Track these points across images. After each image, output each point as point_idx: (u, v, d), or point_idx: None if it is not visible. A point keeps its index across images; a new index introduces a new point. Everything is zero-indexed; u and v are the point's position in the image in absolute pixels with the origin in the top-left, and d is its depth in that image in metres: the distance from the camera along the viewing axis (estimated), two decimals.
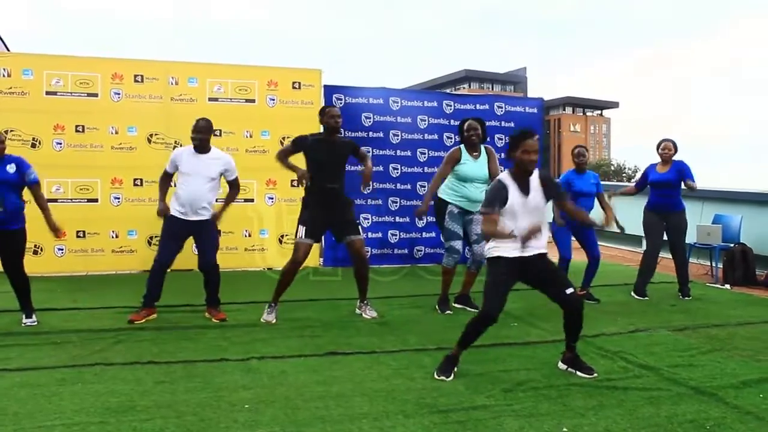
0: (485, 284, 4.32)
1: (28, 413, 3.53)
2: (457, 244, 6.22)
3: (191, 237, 5.91)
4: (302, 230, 5.82)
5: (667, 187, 7.17)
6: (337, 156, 5.91)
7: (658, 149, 7.29)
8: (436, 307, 6.36)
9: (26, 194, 5.55)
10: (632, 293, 7.22)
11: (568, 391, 3.98)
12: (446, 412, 3.61)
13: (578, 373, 4.34)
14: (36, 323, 5.54)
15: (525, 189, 4.26)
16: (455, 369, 4.28)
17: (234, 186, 6.08)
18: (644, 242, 7.57)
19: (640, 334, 5.46)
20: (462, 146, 6.24)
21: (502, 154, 9.38)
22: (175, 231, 5.81)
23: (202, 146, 5.80)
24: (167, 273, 5.89)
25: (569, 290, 4.29)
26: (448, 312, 6.25)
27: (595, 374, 4.31)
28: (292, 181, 8.72)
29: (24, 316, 5.58)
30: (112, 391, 3.88)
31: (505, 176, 4.33)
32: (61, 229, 5.70)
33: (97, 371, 4.27)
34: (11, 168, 5.37)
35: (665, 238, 7.30)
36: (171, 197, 5.90)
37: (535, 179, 4.31)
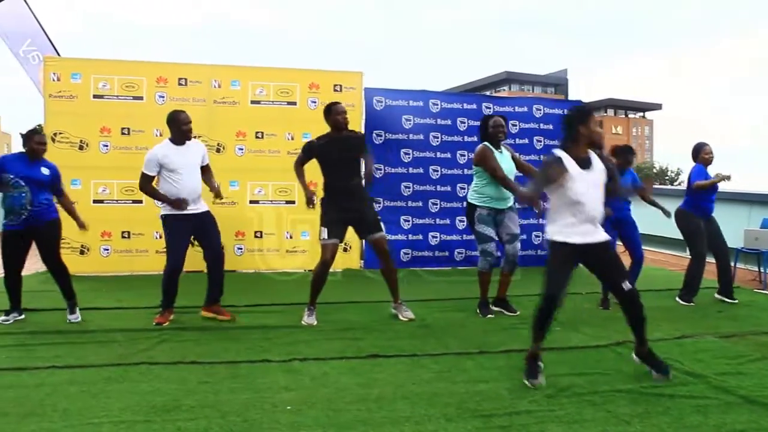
0: (546, 267, 4.31)
1: (77, 410, 3.61)
2: (491, 247, 6.18)
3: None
4: (325, 231, 5.86)
5: (714, 192, 7.08)
6: (348, 152, 5.94)
7: (699, 154, 7.11)
8: (477, 310, 6.32)
9: None
10: (677, 299, 7.08)
11: (612, 398, 3.92)
12: (489, 417, 3.59)
13: (652, 372, 4.31)
14: (78, 320, 5.67)
15: (584, 164, 4.25)
16: (541, 367, 4.26)
17: (208, 169, 6.06)
18: (688, 247, 7.38)
19: (686, 340, 5.35)
20: (487, 143, 6.19)
21: (541, 156, 9.36)
22: (181, 229, 5.77)
23: (189, 137, 5.86)
24: (205, 274, 5.96)
25: (627, 284, 4.27)
26: (490, 315, 6.21)
27: (670, 377, 4.27)
28: None
29: (68, 312, 5.73)
30: (157, 390, 3.94)
31: (559, 151, 4.29)
32: (85, 225, 5.88)
33: (143, 370, 4.34)
34: (45, 170, 5.65)
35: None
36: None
37: (594, 157, 4.32)
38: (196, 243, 5.96)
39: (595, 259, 4.35)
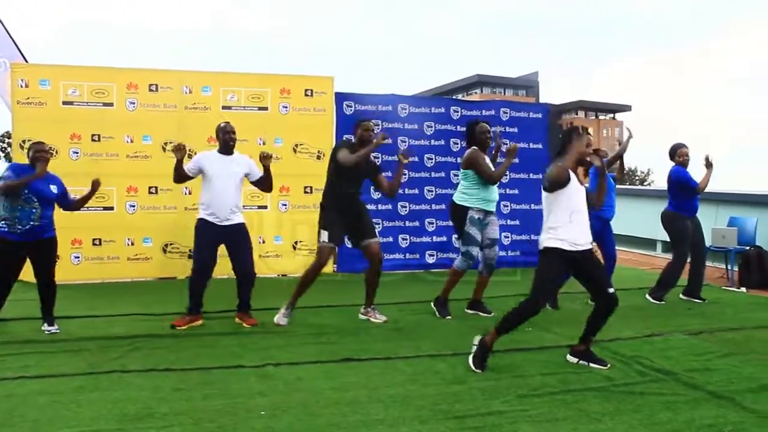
0: (537, 274, 4.49)
1: (48, 420, 3.57)
2: (475, 251, 6.25)
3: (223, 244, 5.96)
4: (325, 234, 5.90)
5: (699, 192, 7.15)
6: (367, 166, 6.06)
7: (675, 155, 7.21)
8: (433, 307, 6.40)
9: None
10: (648, 296, 7.20)
11: (584, 396, 3.97)
12: (462, 418, 3.62)
13: (591, 365, 4.54)
14: (58, 331, 5.60)
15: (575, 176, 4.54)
16: (489, 357, 4.47)
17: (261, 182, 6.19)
18: (660, 247, 7.50)
19: (656, 338, 5.44)
20: (476, 148, 6.27)
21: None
22: (209, 238, 5.86)
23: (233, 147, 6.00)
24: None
25: (611, 289, 4.51)
26: (448, 317, 6.27)
27: (609, 365, 4.53)
28: (305, 187, 8.78)
29: (46, 324, 5.65)
30: (130, 399, 3.91)
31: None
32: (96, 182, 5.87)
33: (115, 378, 4.31)
34: (54, 188, 5.66)
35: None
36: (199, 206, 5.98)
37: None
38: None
39: (586, 265, 4.56)
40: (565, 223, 4.44)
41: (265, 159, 6.00)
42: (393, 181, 6.22)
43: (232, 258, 5.99)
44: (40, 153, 5.51)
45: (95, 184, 5.82)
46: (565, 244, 4.43)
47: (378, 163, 6.33)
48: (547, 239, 4.50)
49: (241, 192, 6.04)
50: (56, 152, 8.24)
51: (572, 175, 4.48)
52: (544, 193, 4.56)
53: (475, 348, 4.50)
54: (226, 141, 5.97)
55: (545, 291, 4.50)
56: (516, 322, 4.49)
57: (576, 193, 4.49)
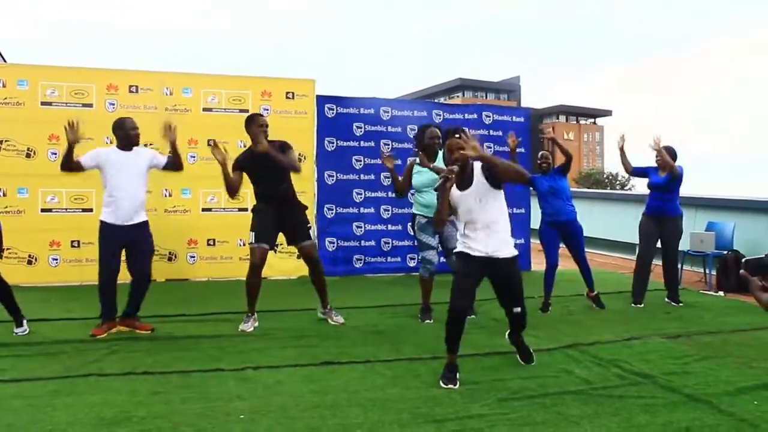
0: (453, 279, 4.43)
1: (23, 424, 3.52)
2: (430, 255, 6.25)
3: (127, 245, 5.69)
4: (252, 236, 5.90)
5: (664, 191, 7.16)
6: (269, 159, 5.80)
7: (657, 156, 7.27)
8: (418, 315, 6.37)
9: None
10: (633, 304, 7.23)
11: (562, 400, 3.98)
12: (441, 422, 3.62)
13: (518, 356, 4.76)
14: (27, 332, 5.52)
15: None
16: (458, 374, 4.32)
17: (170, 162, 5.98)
18: (637, 248, 7.56)
19: (634, 341, 5.47)
20: (416, 158, 6.26)
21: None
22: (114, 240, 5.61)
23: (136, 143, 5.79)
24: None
25: (517, 309, 4.56)
26: (428, 321, 6.26)
27: (533, 363, 4.69)
28: None
29: (15, 325, 5.56)
30: (107, 402, 3.87)
31: None
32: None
33: (92, 382, 4.26)
34: None
35: (658, 245, 7.32)
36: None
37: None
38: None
39: (501, 274, 4.47)
40: (463, 228, 4.46)
41: (169, 131, 5.81)
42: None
43: (129, 261, 5.75)
44: None
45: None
46: (472, 249, 4.37)
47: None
48: (457, 244, 4.51)
49: (146, 187, 5.83)
50: (34, 153, 8.17)
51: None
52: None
53: (443, 371, 4.36)
54: (130, 137, 5.71)
55: (460, 293, 4.34)
56: (451, 333, 4.33)
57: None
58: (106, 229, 5.59)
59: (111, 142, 8.27)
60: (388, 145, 9.32)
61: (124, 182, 5.57)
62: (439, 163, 6.20)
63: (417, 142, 6.34)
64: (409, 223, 7.56)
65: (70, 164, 5.56)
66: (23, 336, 5.47)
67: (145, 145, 8.14)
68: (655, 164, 7.23)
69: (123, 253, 5.70)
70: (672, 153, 7.09)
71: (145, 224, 5.74)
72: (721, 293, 8.13)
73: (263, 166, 5.80)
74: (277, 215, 5.93)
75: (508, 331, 4.84)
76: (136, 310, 5.79)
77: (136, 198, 5.64)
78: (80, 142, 5.55)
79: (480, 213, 4.33)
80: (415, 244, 9.35)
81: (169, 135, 5.83)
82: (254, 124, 5.87)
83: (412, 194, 6.39)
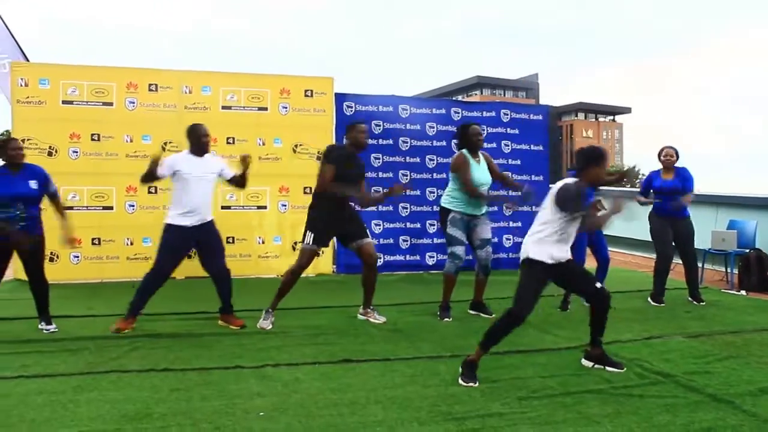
0: (518, 285, 4.41)
1: (45, 420, 3.56)
2: (460, 250, 6.23)
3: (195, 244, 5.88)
4: (310, 236, 5.86)
5: (673, 195, 7.14)
6: (358, 169, 6.03)
7: (659, 156, 7.30)
8: (437, 313, 6.36)
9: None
10: (648, 299, 7.19)
11: (583, 399, 3.96)
12: (461, 420, 3.61)
13: (608, 368, 4.52)
14: (56, 330, 5.59)
15: None
16: (477, 369, 4.32)
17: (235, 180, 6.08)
18: (655, 248, 7.50)
19: (655, 340, 5.43)
20: (465, 151, 6.25)
21: (509, 161, 9.48)
22: (178, 243, 5.77)
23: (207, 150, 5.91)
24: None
25: (599, 284, 4.54)
26: (447, 319, 6.24)
27: (625, 368, 4.52)
28: (305, 188, 8.76)
29: (44, 323, 5.63)
30: (128, 399, 3.90)
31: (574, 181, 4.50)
32: (75, 239, 5.69)
33: (113, 378, 4.30)
34: (34, 184, 5.45)
35: (673, 243, 7.28)
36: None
37: None
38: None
39: (566, 272, 4.52)
40: (555, 240, 4.41)
41: (243, 162, 5.91)
42: (374, 196, 6.22)
43: (204, 259, 5.92)
44: (15, 150, 5.43)
45: (71, 243, 5.76)
46: (544, 257, 4.38)
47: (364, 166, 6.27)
48: (530, 253, 4.43)
49: (212, 193, 5.97)
50: (56, 151, 8.25)
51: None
52: (550, 205, 4.45)
53: (461, 370, 4.34)
54: (201, 144, 5.85)
55: (526, 301, 4.35)
56: (500, 336, 4.36)
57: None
58: (172, 232, 5.73)
59: (131, 141, 8.41)
60: (407, 142, 9.31)
61: (194, 187, 5.71)
62: (482, 162, 6.29)
63: (460, 140, 6.37)
64: (433, 218, 7.62)
65: (152, 179, 5.83)
66: (46, 333, 5.53)
67: (164, 144, 8.29)
68: (658, 167, 7.22)
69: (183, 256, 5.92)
70: (676, 153, 7.24)
71: (211, 223, 5.89)
72: (743, 292, 8.05)
73: (356, 170, 5.97)
74: (338, 217, 5.93)
75: (584, 354, 4.73)
76: (229, 305, 5.96)
77: (204, 202, 5.79)
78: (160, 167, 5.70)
79: (573, 227, 4.44)
80: (437, 240, 9.51)
81: (244, 164, 5.93)
82: (355, 130, 5.99)
83: (455, 190, 6.28)
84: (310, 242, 5.86)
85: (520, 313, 4.29)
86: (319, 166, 5.99)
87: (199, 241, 5.83)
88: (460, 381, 4.25)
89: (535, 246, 4.42)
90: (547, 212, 4.45)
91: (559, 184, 4.50)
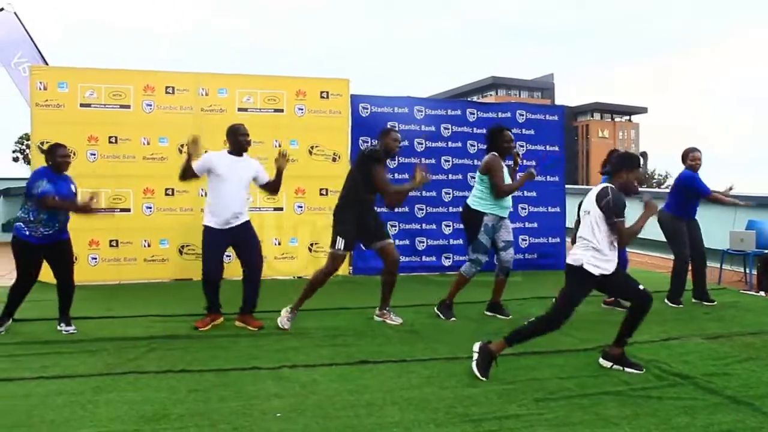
0: (565, 292, 4.52)
1: (64, 421, 3.60)
2: (483, 258, 6.27)
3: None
4: (341, 242, 5.85)
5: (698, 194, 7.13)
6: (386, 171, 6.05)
7: (685, 160, 7.18)
8: (436, 310, 6.41)
9: None
10: (666, 300, 7.13)
11: (600, 400, 3.95)
12: (478, 421, 3.61)
13: (626, 369, 4.53)
14: (75, 331, 5.64)
15: None
16: (494, 364, 4.41)
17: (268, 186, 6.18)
18: (672, 250, 7.41)
19: (673, 342, 5.40)
20: (496, 154, 6.26)
21: (523, 161, 9.45)
22: (214, 245, 5.84)
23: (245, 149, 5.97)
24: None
25: (642, 285, 4.58)
26: (453, 319, 6.26)
27: (644, 369, 4.54)
28: (321, 189, 8.79)
29: (63, 324, 5.69)
30: (146, 400, 3.93)
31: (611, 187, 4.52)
32: (93, 197, 5.67)
33: (131, 379, 4.33)
34: (73, 188, 5.75)
35: None
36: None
37: None
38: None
39: (611, 281, 4.56)
40: (608, 249, 4.47)
41: (281, 158, 5.99)
42: (404, 188, 6.15)
43: (240, 256, 6.00)
44: (64, 158, 5.59)
45: (88, 207, 5.69)
46: (597, 270, 4.44)
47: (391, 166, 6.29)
48: (587, 262, 4.46)
49: (247, 194, 6.04)
50: (74, 154, 8.31)
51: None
52: (597, 212, 4.46)
53: (476, 355, 4.43)
54: (240, 143, 5.92)
55: (565, 309, 4.47)
56: (530, 336, 4.51)
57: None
58: (208, 233, 5.83)
59: (148, 143, 8.46)
60: (422, 144, 9.32)
61: (228, 187, 5.79)
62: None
63: (491, 143, 6.38)
64: (449, 220, 7.57)
65: (188, 173, 5.85)
66: (65, 334, 5.58)
67: (181, 146, 8.33)
68: (692, 172, 7.14)
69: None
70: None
71: (247, 224, 5.96)
72: (762, 293, 7.97)
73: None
74: (361, 220, 5.93)
75: (602, 353, 4.77)
76: (251, 306, 6.01)
77: (238, 203, 5.85)
78: (200, 155, 5.84)
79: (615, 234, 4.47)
80: (453, 242, 9.49)
81: (281, 162, 6.01)
82: (389, 137, 6.01)
83: (485, 192, 6.28)
84: (342, 248, 5.86)
85: (563, 319, 4.43)
86: (351, 169, 6.06)
87: (235, 241, 5.89)
88: (473, 367, 4.34)
89: (591, 257, 4.47)
90: (592, 219, 4.48)
91: (596, 190, 4.54)
